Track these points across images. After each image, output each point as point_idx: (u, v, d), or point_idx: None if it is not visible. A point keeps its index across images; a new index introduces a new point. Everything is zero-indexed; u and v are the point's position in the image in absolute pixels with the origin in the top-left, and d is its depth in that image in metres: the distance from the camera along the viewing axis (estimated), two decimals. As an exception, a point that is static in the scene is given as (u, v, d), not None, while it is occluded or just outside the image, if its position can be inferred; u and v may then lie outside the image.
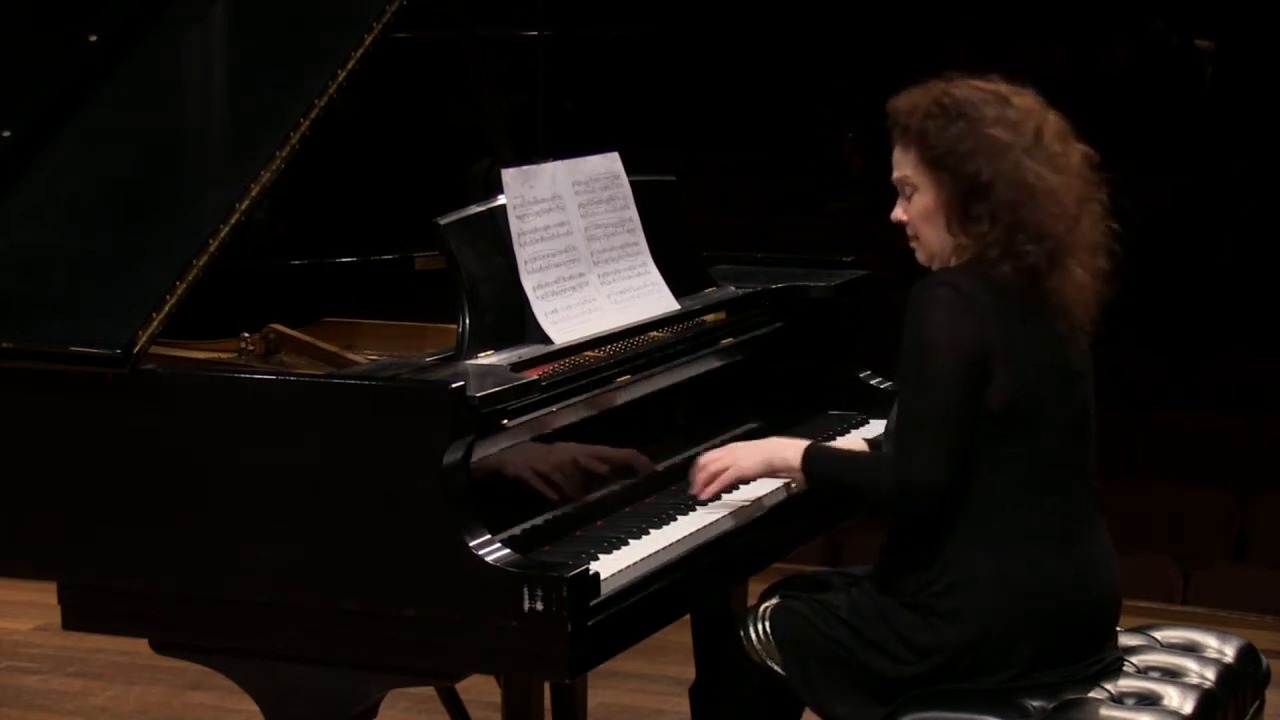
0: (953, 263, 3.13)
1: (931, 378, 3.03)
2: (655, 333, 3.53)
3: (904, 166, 3.15)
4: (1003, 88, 3.15)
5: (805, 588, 3.31)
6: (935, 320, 3.03)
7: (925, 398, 3.04)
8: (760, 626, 3.24)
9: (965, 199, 3.09)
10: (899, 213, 3.18)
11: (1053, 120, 3.15)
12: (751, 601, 3.38)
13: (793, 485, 3.34)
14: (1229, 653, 3.39)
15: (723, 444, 3.54)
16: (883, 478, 3.12)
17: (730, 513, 3.26)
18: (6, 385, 3.07)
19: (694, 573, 3.10)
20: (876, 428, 3.83)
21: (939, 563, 3.09)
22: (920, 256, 3.19)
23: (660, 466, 3.42)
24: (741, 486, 3.32)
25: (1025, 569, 3.08)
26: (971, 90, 3.13)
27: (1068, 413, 3.12)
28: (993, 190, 3.06)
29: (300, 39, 3.39)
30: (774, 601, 3.27)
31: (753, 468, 3.27)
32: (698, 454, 3.49)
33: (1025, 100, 3.14)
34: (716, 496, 3.28)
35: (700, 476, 3.27)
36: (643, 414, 3.37)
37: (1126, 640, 3.34)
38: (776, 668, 3.22)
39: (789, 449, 3.24)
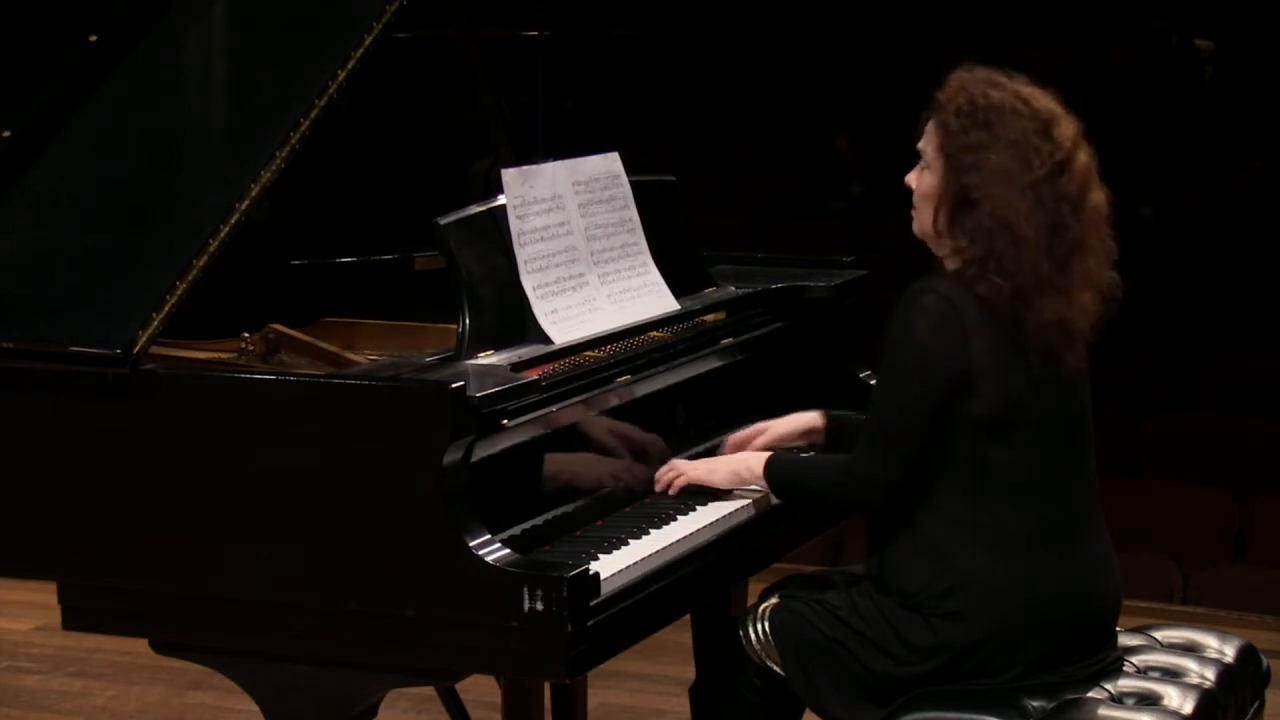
0: (947, 265, 3.14)
1: (900, 383, 3.07)
2: (655, 333, 3.53)
3: (927, 140, 3.15)
4: (1053, 108, 3.11)
5: (805, 587, 3.31)
6: (919, 329, 3.05)
7: (891, 402, 3.08)
8: (760, 626, 3.24)
9: (955, 204, 3.09)
10: (911, 178, 3.18)
11: (1082, 159, 3.11)
12: (751, 601, 3.38)
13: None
14: (1229, 653, 3.39)
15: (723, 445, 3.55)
16: (836, 477, 3.17)
17: (730, 513, 3.26)
18: (6, 385, 3.07)
19: (694, 573, 3.10)
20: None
21: (940, 565, 3.09)
22: (914, 228, 3.20)
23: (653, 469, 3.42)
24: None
25: (1027, 572, 3.08)
26: (1016, 100, 3.09)
27: (1063, 417, 3.12)
28: (977, 210, 3.06)
29: (300, 39, 3.39)
30: (773, 601, 3.28)
31: (722, 479, 3.31)
32: (698, 454, 3.50)
33: (1064, 131, 3.10)
34: (706, 501, 3.29)
35: (667, 475, 3.32)
36: (643, 414, 3.37)
37: (1126, 640, 3.34)
38: (776, 668, 3.23)
39: (754, 459, 3.28)
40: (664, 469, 3.34)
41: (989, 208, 3.05)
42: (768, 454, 3.28)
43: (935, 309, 3.05)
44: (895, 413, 3.08)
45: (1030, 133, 3.07)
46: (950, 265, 3.15)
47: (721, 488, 3.31)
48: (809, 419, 3.48)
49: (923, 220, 3.17)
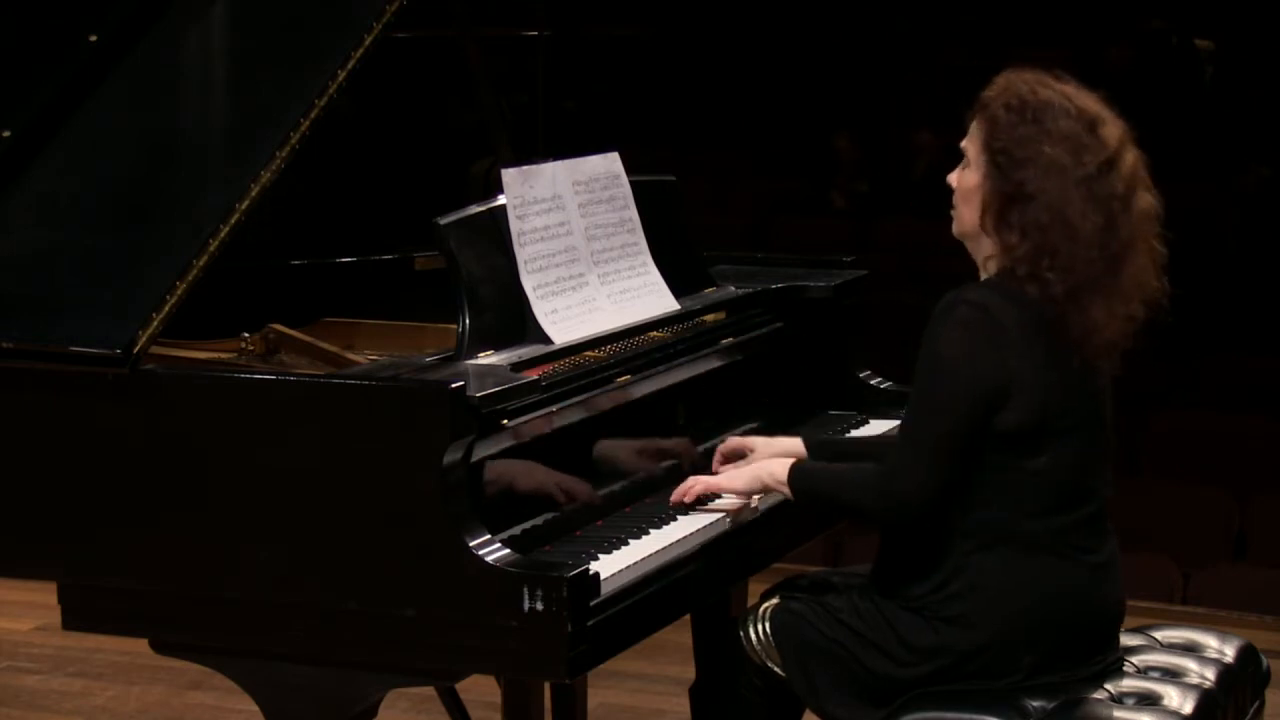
0: (990, 268, 3.12)
1: (938, 398, 3.03)
2: (655, 333, 3.53)
3: (970, 139, 3.13)
4: (1099, 110, 3.10)
5: (806, 588, 3.31)
6: (955, 340, 3.02)
7: (928, 416, 3.04)
8: (760, 627, 3.24)
9: (1005, 201, 3.06)
10: (952, 177, 3.17)
11: (1129, 159, 3.09)
12: (751, 601, 3.38)
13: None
14: (1229, 653, 3.39)
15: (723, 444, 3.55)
16: (869, 491, 3.12)
17: (729, 514, 3.25)
18: (6, 385, 3.07)
19: (694, 573, 3.10)
20: (876, 427, 3.83)
21: (946, 569, 3.09)
22: (954, 228, 3.17)
23: (660, 466, 3.42)
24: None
25: (1033, 579, 3.07)
26: (1064, 99, 3.08)
27: (1086, 429, 3.11)
28: (1031, 205, 3.03)
29: (300, 39, 3.39)
30: (774, 602, 3.27)
31: (743, 485, 3.26)
32: (697, 454, 3.50)
33: (1111, 131, 3.09)
34: (702, 502, 3.28)
35: (684, 485, 3.27)
36: (643, 414, 3.37)
37: (1126, 640, 3.34)
38: (775, 668, 3.22)
39: (777, 465, 3.24)
40: (683, 484, 3.29)
41: (1045, 201, 3.02)
42: (791, 460, 3.24)
43: (973, 321, 3.02)
44: (933, 427, 3.03)
45: (1079, 130, 3.06)
46: (991, 267, 3.12)
47: (742, 493, 3.28)
48: (792, 446, 3.42)
49: (964, 217, 3.13)
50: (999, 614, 3.06)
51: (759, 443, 3.42)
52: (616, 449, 3.32)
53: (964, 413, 3.02)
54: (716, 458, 3.44)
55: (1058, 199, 3.02)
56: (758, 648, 3.24)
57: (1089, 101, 3.11)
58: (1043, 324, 3.03)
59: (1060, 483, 3.08)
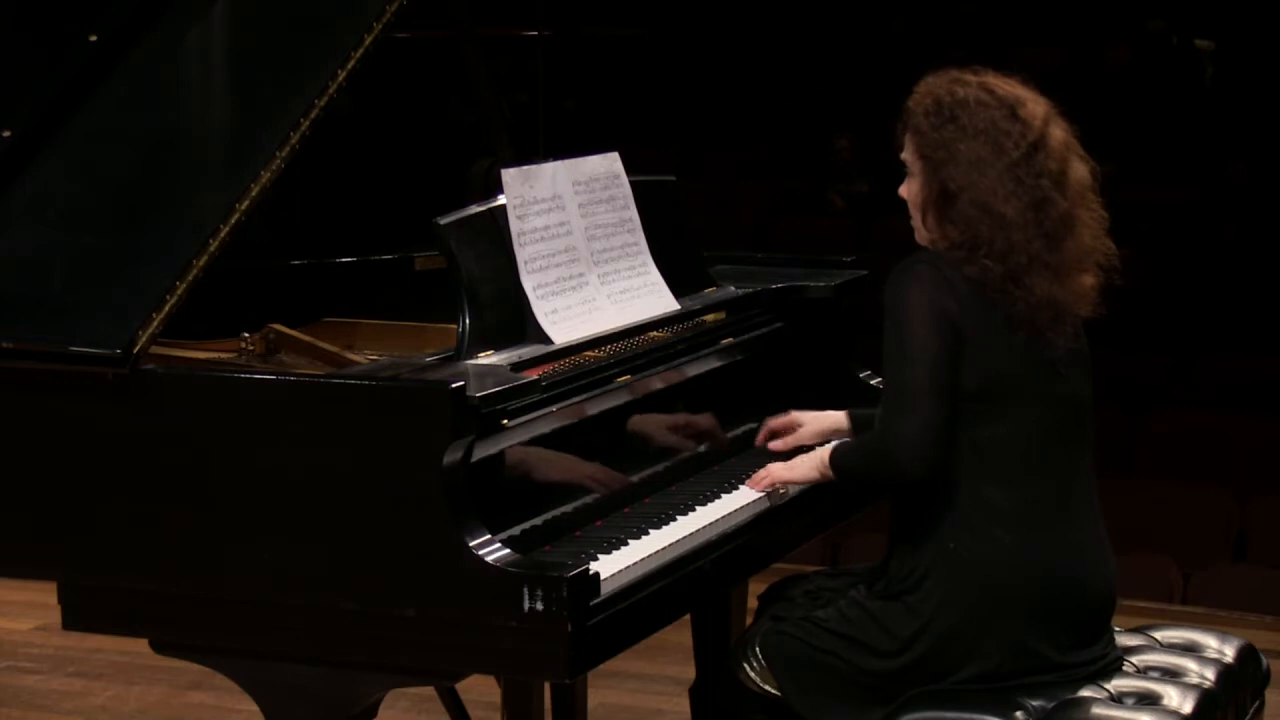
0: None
1: (911, 350, 3.08)
2: (655, 333, 3.53)
3: (907, 150, 3.20)
4: (1018, 92, 3.16)
5: (795, 606, 3.32)
6: (914, 294, 3.09)
7: (906, 369, 3.09)
8: (755, 660, 3.27)
9: (936, 202, 3.15)
10: (902, 189, 3.24)
11: (1057, 134, 3.15)
12: (751, 602, 3.39)
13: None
14: (1229, 653, 3.40)
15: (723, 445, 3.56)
16: (873, 458, 3.19)
17: (729, 513, 3.26)
18: (6, 385, 3.07)
19: (694, 573, 3.10)
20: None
21: (920, 550, 3.13)
22: (916, 238, 3.23)
23: (659, 467, 3.42)
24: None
25: (999, 549, 3.10)
26: (979, 91, 3.14)
27: (1049, 401, 3.13)
28: (957, 201, 3.11)
29: (300, 39, 3.39)
30: (764, 628, 3.29)
31: (804, 475, 3.34)
32: (698, 454, 3.50)
33: (1034, 110, 3.15)
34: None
35: (758, 475, 3.36)
36: (643, 414, 3.37)
37: (1126, 640, 3.34)
38: (774, 691, 3.24)
39: (826, 453, 3.31)
40: (759, 472, 3.37)
41: (968, 196, 3.10)
42: (832, 446, 3.31)
43: (927, 275, 3.10)
44: (911, 376, 3.07)
45: (998, 119, 3.12)
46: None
47: (807, 483, 3.35)
48: (835, 420, 3.51)
49: (916, 228, 3.22)
50: (969, 585, 3.08)
51: (805, 418, 3.52)
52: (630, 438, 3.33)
53: (937, 355, 3.07)
54: (763, 433, 3.54)
55: (981, 192, 3.10)
56: (755, 676, 3.27)
57: (1007, 87, 3.17)
58: (987, 296, 3.09)
59: (1022, 452, 3.11)
